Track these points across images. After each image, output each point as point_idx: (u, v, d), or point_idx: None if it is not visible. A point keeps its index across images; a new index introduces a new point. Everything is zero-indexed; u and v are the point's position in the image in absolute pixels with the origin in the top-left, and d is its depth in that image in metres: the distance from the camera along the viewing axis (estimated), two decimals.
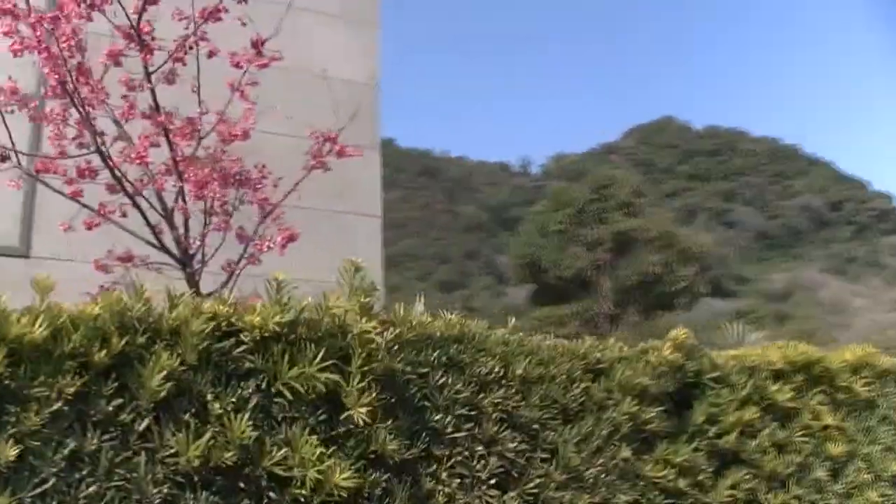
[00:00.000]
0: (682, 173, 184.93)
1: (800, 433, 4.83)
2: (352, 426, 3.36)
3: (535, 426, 3.95)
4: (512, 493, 3.79)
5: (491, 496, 3.73)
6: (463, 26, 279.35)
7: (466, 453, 3.71)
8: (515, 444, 3.85)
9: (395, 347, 3.61)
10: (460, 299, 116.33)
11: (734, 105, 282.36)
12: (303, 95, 8.61)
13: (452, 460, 3.67)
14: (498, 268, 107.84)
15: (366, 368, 3.41)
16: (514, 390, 3.93)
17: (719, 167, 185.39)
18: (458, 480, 3.67)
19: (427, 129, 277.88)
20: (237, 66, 5.72)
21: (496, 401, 3.84)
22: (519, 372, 3.95)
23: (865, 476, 5.05)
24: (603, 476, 4.08)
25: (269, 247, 5.71)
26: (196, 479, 2.98)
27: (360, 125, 6.94)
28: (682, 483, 4.28)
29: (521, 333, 4.04)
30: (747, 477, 4.55)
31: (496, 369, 3.89)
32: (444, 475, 3.63)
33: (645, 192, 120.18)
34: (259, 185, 5.84)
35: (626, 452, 4.16)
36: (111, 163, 5.38)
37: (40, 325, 2.76)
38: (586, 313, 40.23)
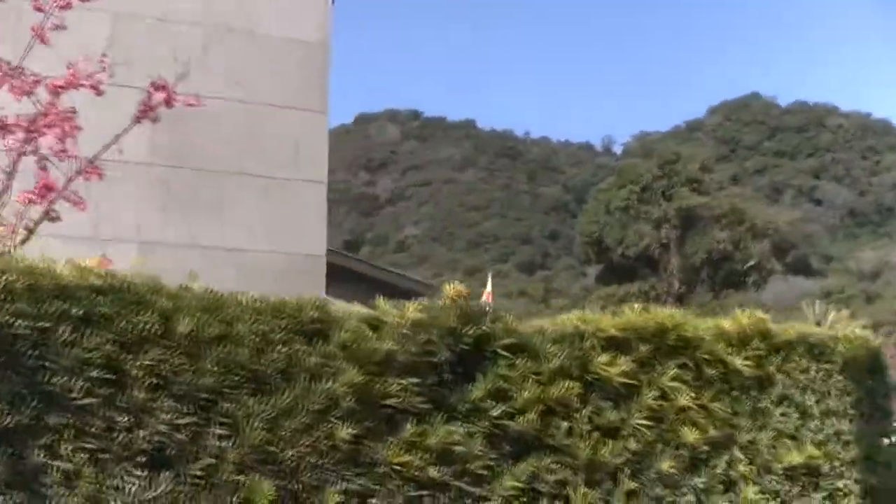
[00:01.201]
0: (768, 150, 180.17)
1: (641, 415, 3.95)
2: None
3: (209, 395, 3.17)
4: (168, 474, 3.05)
5: (138, 476, 2.99)
6: (544, 2, 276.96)
7: (102, 424, 3.00)
8: (174, 416, 3.08)
9: (3, 298, 2.89)
10: (541, 280, 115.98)
11: (822, 80, 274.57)
12: (248, 57, 8.02)
13: (80, 431, 2.95)
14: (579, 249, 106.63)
15: None
16: (177, 351, 3.16)
17: (807, 143, 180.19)
18: (87, 455, 2.95)
19: (509, 109, 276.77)
20: (39, 10, 5.10)
21: (149, 363, 3.08)
22: (183, 329, 3.15)
23: (744, 468, 4.13)
24: (311, 459, 3.29)
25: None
26: None
27: (308, 85, 6.97)
28: (435, 472, 3.45)
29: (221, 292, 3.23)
30: (554, 466, 3.72)
31: (152, 326, 3.10)
32: (65, 448, 2.92)
33: (722, 170, 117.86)
34: (63, 137, 5.06)
35: (346, 432, 3.33)
36: None
37: None
38: (652, 292, 39.07)
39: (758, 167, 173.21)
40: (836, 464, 4.60)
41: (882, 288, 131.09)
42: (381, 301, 3.66)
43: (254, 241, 5.77)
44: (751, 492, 4.13)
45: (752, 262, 38.87)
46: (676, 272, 38.16)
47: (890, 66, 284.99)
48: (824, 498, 4.47)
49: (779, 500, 4.31)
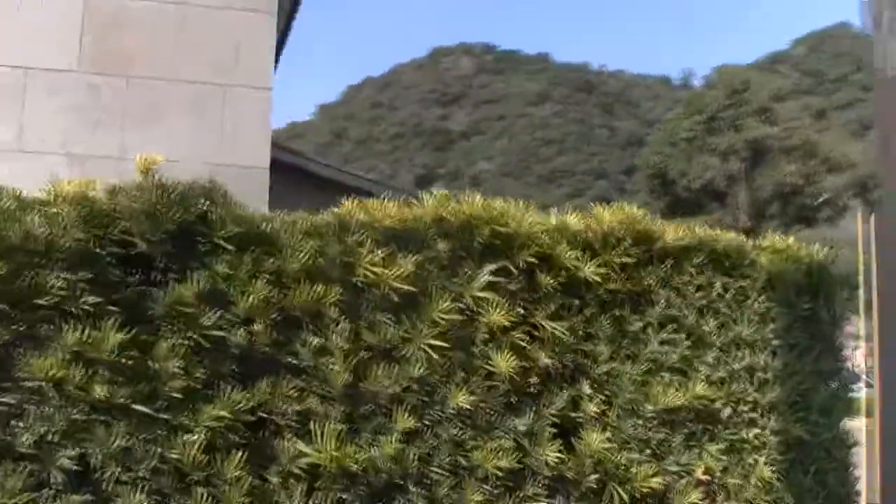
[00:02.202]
0: (855, 83, 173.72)
1: (432, 333, 3.03)
2: None
3: None
4: None
5: None
6: None
7: None
8: None
9: None
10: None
11: None
12: None
13: None
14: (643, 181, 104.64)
15: None
16: None
17: None
18: None
19: (585, 42, 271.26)
20: None
21: None
22: None
23: (594, 408, 3.20)
24: None
25: None
26: None
27: None
28: (103, 391, 2.65)
29: None
30: (293, 393, 2.90)
31: None
32: None
33: (806, 104, 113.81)
34: None
35: None
36: None
37: None
38: (718, 226, 37.54)
39: (844, 101, 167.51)
40: (745, 408, 3.54)
41: None
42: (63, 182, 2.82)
43: (189, 152, 5.13)
44: (597, 439, 3.16)
45: (824, 197, 36.88)
46: (744, 206, 36.44)
47: None
48: (722, 451, 3.47)
49: (647, 450, 3.40)
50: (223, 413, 2.75)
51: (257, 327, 2.86)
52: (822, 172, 37.71)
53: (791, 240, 3.94)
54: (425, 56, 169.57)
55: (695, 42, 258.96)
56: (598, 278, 3.34)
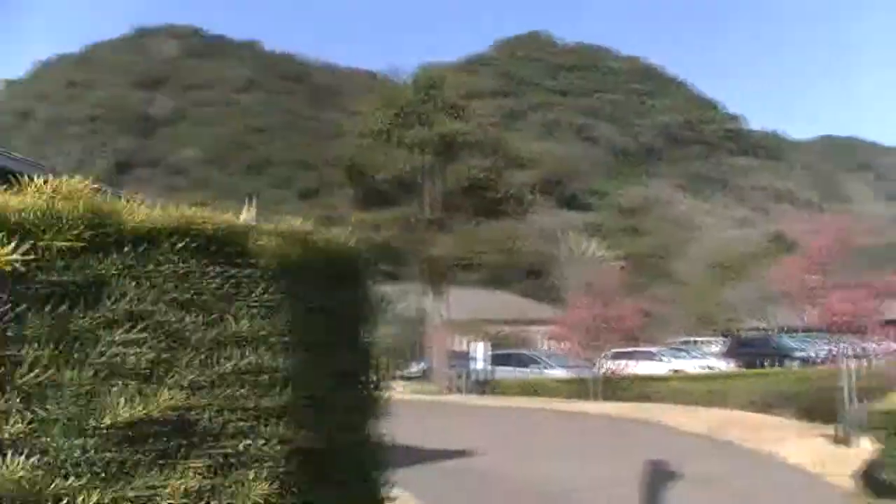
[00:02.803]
0: (547, 87, 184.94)
1: None
2: None
3: None
4: None
5: None
6: None
7: None
8: None
9: None
10: (322, 207, 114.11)
11: (601, 22, 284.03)
12: None
13: None
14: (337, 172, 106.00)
15: None
16: None
17: (584, 83, 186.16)
18: None
19: (295, 32, 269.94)
20: None
21: None
22: None
23: (19, 426, 2.64)
24: None
25: None
26: None
27: None
28: None
29: None
30: None
31: None
32: None
33: (501, 104, 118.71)
34: None
35: None
36: None
37: None
38: (407, 218, 37.93)
39: (536, 103, 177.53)
40: (237, 416, 3.14)
41: (643, 223, 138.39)
42: None
43: None
44: (19, 464, 2.62)
45: (510, 192, 38.29)
46: (433, 199, 37.09)
47: (662, 12, 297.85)
48: (206, 468, 3.04)
49: (97, 474, 2.85)
50: None
51: None
52: (508, 169, 39.10)
53: (309, 223, 3.52)
54: (127, 35, 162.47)
55: (405, 40, 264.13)
56: (25, 267, 2.75)
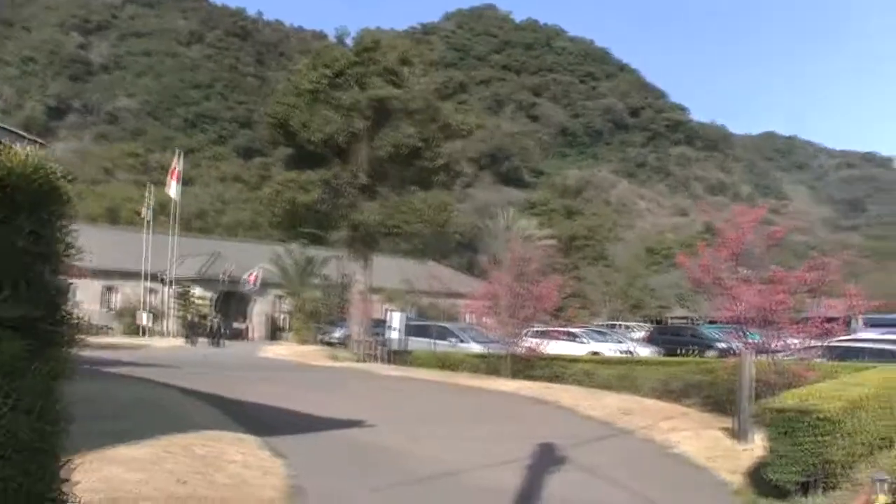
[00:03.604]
0: (496, 62, 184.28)
1: None
2: None
3: None
4: None
5: None
6: None
7: None
8: None
9: None
10: (259, 167, 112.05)
11: (555, 1, 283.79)
12: None
13: None
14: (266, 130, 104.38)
15: None
16: None
17: (533, 61, 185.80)
18: None
19: None
20: None
21: None
22: None
23: None
24: None
25: None
26: None
27: None
28: None
29: None
30: None
31: None
32: None
33: (449, 76, 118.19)
34: None
35: None
36: None
37: None
38: (335, 181, 37.02)
39: (484, 78, 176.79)
40: None
41: (582, 204, 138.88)
42: None
43: None
44: None
45: (441, 162, 37.59)
46: (363, 164, 36.27)
47: None
48: None
49: None
50: None
51: None
52: (446, 140, 38.40)
53: None
54: None
55: (356, 3, 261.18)
56: None
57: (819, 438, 9.59)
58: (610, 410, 17.15)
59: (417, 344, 31.98)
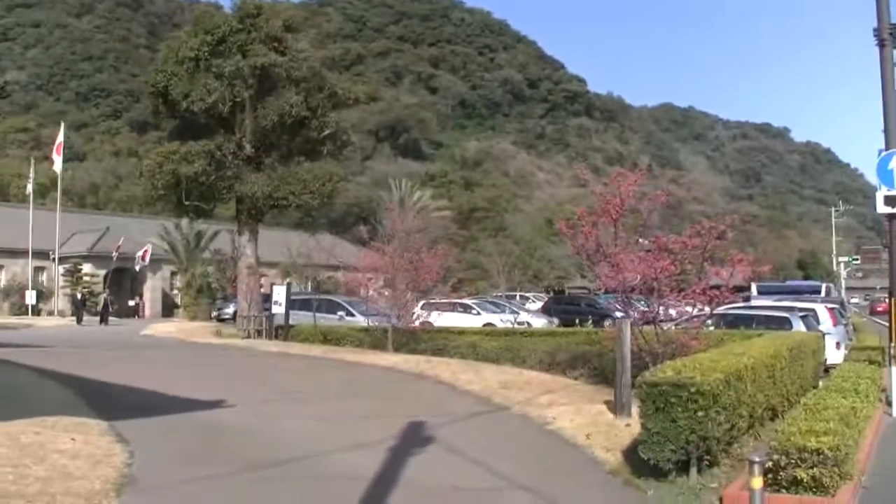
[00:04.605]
0: (393, 34, 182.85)
1: None
2: None
3: None
4: None
5: None
6: None
7: None
8: None
9: None
10: (155, 141, 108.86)
11: None
12: None
13: None
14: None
15: None
16: None
17: (431, 33, 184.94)
18: None
19: None
20: None
21: None
22: None
23: None
24: None
25: None
26: None
27: None
28: None
29: None
30: None
31: None
32: None
33: (347, 48, 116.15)
34: None
35: None
36: None
37: None
38: (219, 152, 35.47)
39: (381, 50, 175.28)
40: None
41: (481, 176, 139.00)
42: None
43: None
44: None
45: (328, 132, 36.39)
46: (248, 133, 34.86)
47: None
48: None
49: None
50: None
51: None
52: (328, 107, 37.19)
53: None
54: None
55: None
56: None
57: (696, 414, 8.83)
58: (489, 384, 16.36)
59: (306, 318, 30.90)
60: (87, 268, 56.49)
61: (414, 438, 11.18)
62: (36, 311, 53.78)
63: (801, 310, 24.77)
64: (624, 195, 15.03)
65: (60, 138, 58.37)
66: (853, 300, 78.22)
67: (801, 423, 9.36)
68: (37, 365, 19.58)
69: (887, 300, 16.16)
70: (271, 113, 35.59)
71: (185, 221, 52.43)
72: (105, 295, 48.72)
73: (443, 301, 32.97)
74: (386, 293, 26.07)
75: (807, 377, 15.42)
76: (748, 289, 38.52)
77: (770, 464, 8.27)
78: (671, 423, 8.94)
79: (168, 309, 60.48)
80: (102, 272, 54.62)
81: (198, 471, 9.31)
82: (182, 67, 35.67)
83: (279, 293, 31.00)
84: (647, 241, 16.05)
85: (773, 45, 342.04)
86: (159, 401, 14.38)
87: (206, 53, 35.63)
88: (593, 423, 12.43)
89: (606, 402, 13.80)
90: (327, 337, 28.08)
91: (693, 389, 8.86)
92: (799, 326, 21.48)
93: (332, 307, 33.92)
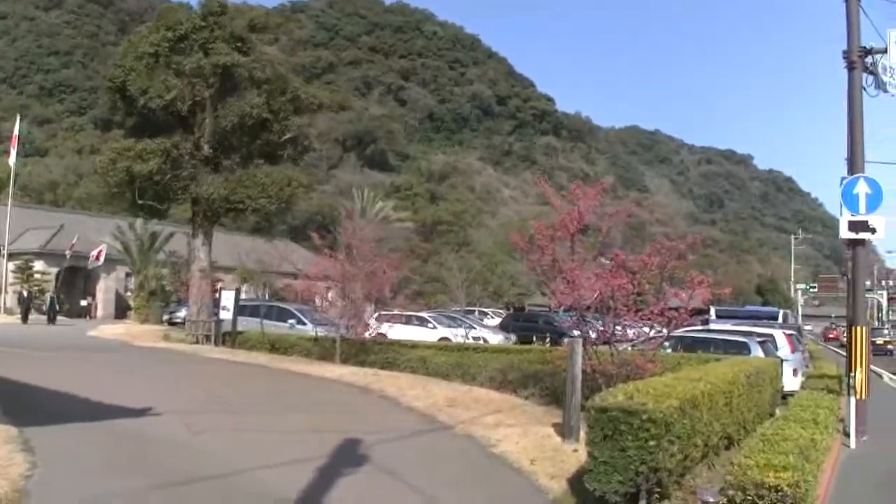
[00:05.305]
0: (364, 44, 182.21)
1: None
2: None
3: None
4: None
5: None
6: None
7: None
8: None
9: None
10: (118, 138, 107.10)
11: None
12: None
13: None
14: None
15: None
16: None
17: (402, 45, 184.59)
18: None
19: None
20: None
21: None
22: None
23: None
24: None
25: None
26: None
27: None
28: None
29: None
30: None
31: None
32: None
33: (319, 56, 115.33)
34: None
35: None
36: None
37: None
38: (176, 151, 34.48)
39: (353, 59, 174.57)
40: None
41: (446, 190, 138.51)
42: None
43: None
44: None
45: (289, 136, 35.56)
46: (207, 134, 33.94)
47: None
48: None
49: None
50: None
51: None
52: (290, 111, 36.37)
53: None
54: None
55: None
56: None
57: (647, 443, 8.13)
58: (435, 401, 15.63)
59: (254, 325, 30.00)
60: (38, 265, 55.17)
61: (347, 457, 10.47)
62: None
63: (759, 335, 24.32)
64: (583, 209, 14.39)
65: (16, 131, 57.18)
66: (807, 327, 79.09)
67: (758, 455, 8.68)
68: None
69: (839, 329, 15.70)
70: (231, 113, 34.75)
71: (139, 222, 51.31)
72: (51, 293, 47.41)
73: (399, 313, 32.26)
74: (338, 302, 25.27)
75: (764, 404, 14.86)
76: (707, 312, 38.15)
77: (725, 500, 7.61)
78: (620, 452, 8.26)
79: (121, 311, 59.18)
80: (55, 270, 53.30)
81: (104, 485, 8.55)
82: (141, 63, 34.74)
83: (227, 298, 30.13)
84: (607, 260, 15.42)
85: (738, 73, 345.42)
86: (81, 407, 13.53)
87: (166, 49, 34.76)
88: (539, 446, 11.74)
89: (555, 425, 13.13)
90: (275, 345, 27.24)
91: (645, 417, 8.18)
92: (757, 352, 21.02)
93: (283, 315, 33.08)
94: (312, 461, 9.96)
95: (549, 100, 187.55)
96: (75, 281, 57.17)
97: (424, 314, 39.39)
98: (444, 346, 27.70)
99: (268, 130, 36.72)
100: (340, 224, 25.94)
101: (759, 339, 23.03)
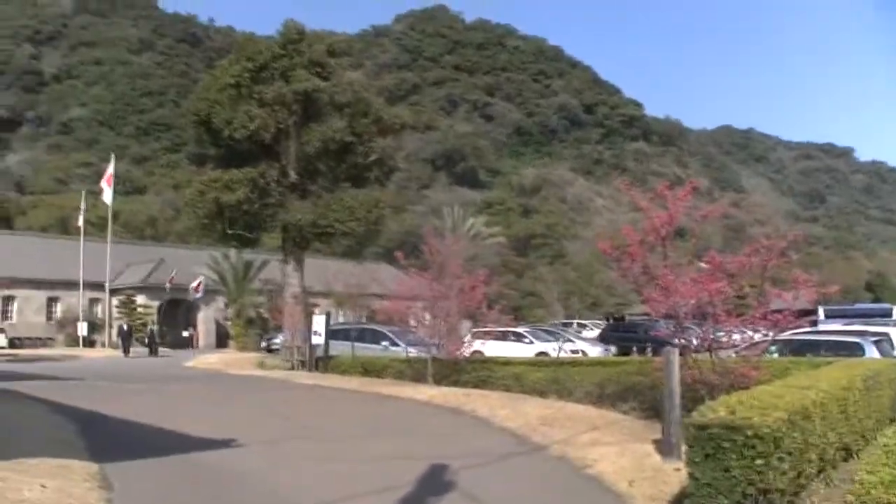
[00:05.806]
0: (448, 63, 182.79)
1: None
2: None
3: None
4: None
5: None
6: None
7: None
8: None
9: None
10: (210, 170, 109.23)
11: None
12: None
13: None
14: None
15: None
16: None
17: (485, 61, 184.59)
18: None
19: None
20: None
21: None
22: None
23: None
24: None
25: None
26: None
27: None
28: None
29: None
30: None
31: None
32: None
33: (403, 78, 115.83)
34: None
35: None
36: None
37: None
38: (262, 180, 34.60)
39: (437, 79, 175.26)
40: None
41: (539, 203, 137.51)
42: None
43: None
44: None
45: (374, 157, 35.35)
46: (292, 160, 34.00)
47: None
48: None
49: None
50: None
51: None
52: (373, 133, 36.17)
53: None
54: None
55: (309, 5, 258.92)
56: None
57: (754, 462, 7.28)
58: (528, 420, 14.94)
59: (346, 349, 29.73)
60: (140, 299, 56.56)
61: (433, 485, 9.89)
62: (89, 343, 53.69)
63: (873, 334, 22.88)
64: (673, 211, 13.54)
65: (110, 170, 58.63)
66: None
67: (882, 471, 7.71)
68: (54, 399, 18.77)
69: None
70: (315, 139, 34.72)
71: (233, 252, 51.99)
72: (151, 325, 48.27)
73: (493, 329, 31.68)
74: (428, 322, 24.74)
75: (884, 410, 13.70)
76: (815, 312, 36.52)
77: None
78: (724, 473, 7.42)
79: (222, 339, 60.14)
80: (156, 303, 54.44)
81: None
82: (224, 95, 35.02)
83: (318, 323, 29.90)
84: (704, 264, 14.53)
85: (835, 64, 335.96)
86: (163, 439, 13.26)
87: (247, 80, 34.99)
88: (638, 466, 10.94)
89: (656, 442, 12.28)
90: (367, 368, 26.85)
91: (750, 433, 7.33)
92: (872, 352, 19.71)
93: (376, 337, 32.73)
94: (396, 490, 9.43)
95: (637, 105, 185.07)
96: (176, 312, 58.36)
97: (520, 329, 38.62)
98: (538, 361, 26.95)
99: (352, 153, 36.56)
100: (425, 242, 25.34)
101: (873, 339, 21.64)
